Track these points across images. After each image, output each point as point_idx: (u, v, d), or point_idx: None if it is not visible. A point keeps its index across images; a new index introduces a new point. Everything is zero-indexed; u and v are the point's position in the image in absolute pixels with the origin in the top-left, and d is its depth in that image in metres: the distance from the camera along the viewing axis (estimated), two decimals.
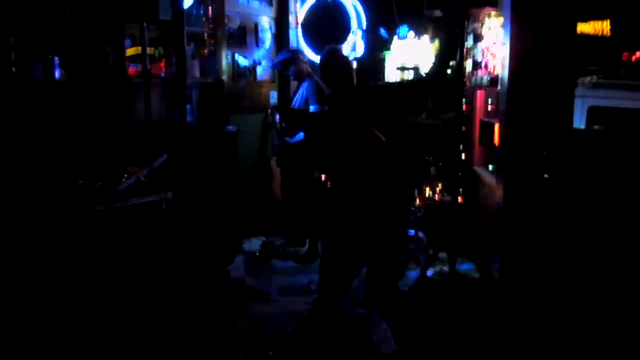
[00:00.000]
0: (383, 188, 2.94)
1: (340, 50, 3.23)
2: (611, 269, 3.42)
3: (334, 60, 3.13)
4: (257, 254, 4.94)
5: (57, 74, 4.19)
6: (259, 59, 5.56)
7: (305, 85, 4.66)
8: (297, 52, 4.91)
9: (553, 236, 3.53)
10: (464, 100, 4.27)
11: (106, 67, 4.36)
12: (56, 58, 4.18)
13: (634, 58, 6.20)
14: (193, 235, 4.14)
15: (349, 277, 3.25)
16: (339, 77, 3.09)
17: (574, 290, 3.55)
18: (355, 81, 3.13)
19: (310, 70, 4.91)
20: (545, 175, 3.49)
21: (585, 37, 6.08)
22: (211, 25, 5.24)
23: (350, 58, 5.48)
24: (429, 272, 4.00)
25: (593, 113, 5.85)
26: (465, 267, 4.51)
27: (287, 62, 4.78)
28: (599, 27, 6.34)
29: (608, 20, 6.35)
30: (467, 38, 4.25)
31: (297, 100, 4.69)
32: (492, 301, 3.33)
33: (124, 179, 3.47)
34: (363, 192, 2.98)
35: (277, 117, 4.90)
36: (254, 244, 5.22)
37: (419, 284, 3.62)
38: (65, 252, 3.41)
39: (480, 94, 4.78)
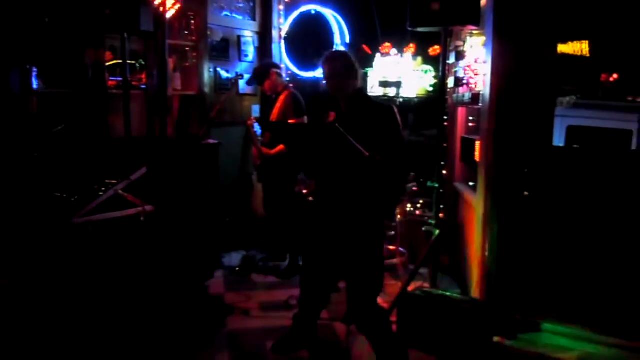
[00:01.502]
0: (359, 202, 2.91)
1: (343, 52, 3.21)
2: (593, 287, 3.44)
3: (349, 59, 3.06)
4: (237, 268, 4.89)
5: (35, 85, 4.12)
6: (242, 73, 5.55)
7: (282, 99, 4.65)
8: (271, 65, 4.89)
9: (533, 252, 3.55)
10: (445, 117, 4.29)
11: (85, 78, 4.30)
12: (34, 68, 4.11)
13: (611, 79, 6.34)
14: (172, 250, 4.07)
15: (324, 290, 3.23)
16: (344, 77, 3.02)
17: (554, 305, 3.56)
18: (356, 86, 3.06)
19: (286, 83, 4.90)
20: (526, 193, 3.51)
21: (565, 57, 6.20)
22: (193, 38, 5.22)
23: None
24: (410, 288, 3.98)
25: (572, 132, 5.97)
26: (447, 283, 4.51)
27: (261, 76, 4.76)
28: (578, 48, 6.47)
29: (587, 42, 6.48)
30: (449, 55, 4.28)
31: (274, 114, 4.67)
32: (472, 317, 3.32)
33: (101, 192, 3.40)
34: (339, 203, 2.97)
35: (259, 130, 4.88)
36: (234, 258, 5.16)
37: (400, 299, 3.59)
38: (40, 265, 3.33)
39: (461, 111, 4.82)
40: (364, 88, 3.21)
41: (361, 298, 2.96)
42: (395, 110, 2.99)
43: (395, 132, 2.95)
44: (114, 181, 3.48)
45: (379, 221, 3.04)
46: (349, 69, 3.04)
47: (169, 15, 4.59)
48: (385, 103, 3.10)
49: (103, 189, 3.43)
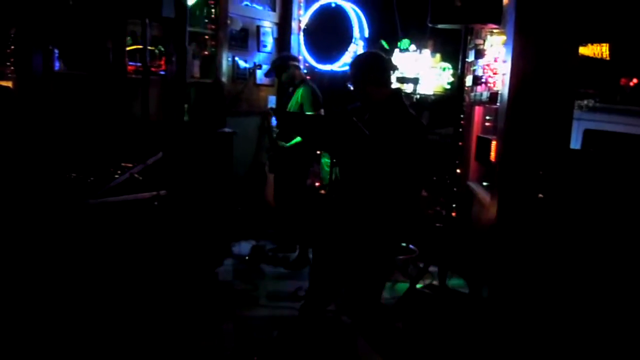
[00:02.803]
0: (372, 197, 2.86)
1: (371, 55, 3.07)
2: (604, 291, 3.42)
3: (368, 64, 2.93)
4: (247, 257, 4.92)
5: (56, 66, 4.16)
6: (260, 63, 5.56)
7: (299, 91, 4.66)
8: (289, 58, 4.90)
9: (545, 256, 3.53)
10: (462, 115, 4.28)
11: (106, 62, 4.33)
12: (56, 50, 4.15)
13: (631, 84, 6.27)
14: (184, 235, 4.11)
15: (333, 284, 3.23)
16: (361, 83, 2.90)
17: (564, 310, 3.55)
18: (382, 94, 2.91)
19: (304, 75, 4.91)
20: (540, 195, 3.50)
21: (584, 59, 6.13)
22: (213, 27, 5.24)
23: None
24: (419, 285, 3.99)
25: (589, 136, 5.91)
26: (456, 282, 4.51)
27: (280, 68, 4.77)
28: (598, 50, 6.40)
29: (607, 45, 6.41)
30: (468, 53, 4.26)
31: (291, 106, 4.69)
32: (481, 317, 3.32)
33: (117, 175, 3.44)
34: (353, 197, 2.94)
35: (274, 121, 4.90)
36: (244, 247, 5.19)
37: (408, 296, 3.60)
38: (53, 244, 3.37)
39: (478, 109, 4.80)
40: (398, 95, 2.98)
41: (362, 296, 2.93)
42: (423, 129, 2.88)
43: (409, 152, 2.78)
44: (130, 164, 3.51)
45: (394, 221, 2.93)
46: (366, 74, 2.89)
47: (190, 2, 4.60)
48: (416, 120, 2.90)
49: (119, 171, 3.46)
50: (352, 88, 2.97)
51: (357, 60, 3.04)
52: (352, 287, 2.96)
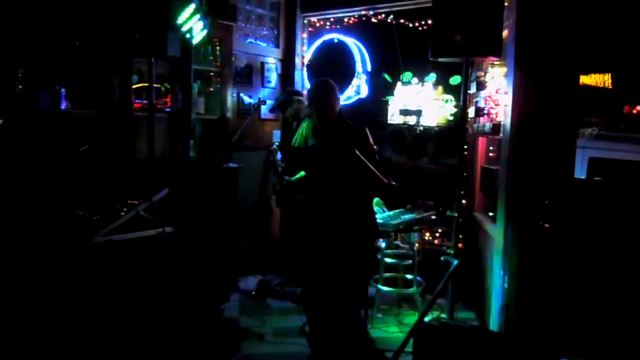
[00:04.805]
0: (359, 222, 3.16)
1: (326, 81, 3.47)
2: (614, 323, 3.37)
3: (309, 93, 3.44)
4: (253, 292, 4.89)
5: (63, 105, 4.22)
6: (264, 98, 5.63)
7: (304, 125, 4.70)
8: (293, 93, 4.96)
9: (553, 286, 3.49)
10: (465, 146, 4.28)
11: (112, 100, 4.40)
12: (63, 89, 4.22)
13: (634, 111, 6.28)
14: (190, 272, 4.09)
15: (328, 307, 3.28)
16: (319, 102, 3.33)
17: (574, 340, 3.49)
18: (336, 109, 3.36)
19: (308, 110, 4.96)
20: (546, 225, 3.48)
21: (587, 88, 6.17)
22: (218, 64, 5.32)
23: (354, 99, 5.58)
24: (427, 318, 3.93)
25: (594, 164, 5.89)
26: (464, 314, 4.45)
27: (284, 104, 4.83)
28: (600, 79, 6.44)
29: (609, 74, 6.46)
30: (470, 85, 4.30)
31: (296, 140, 4.72)
32: (489, 350, 3.26)
33: (123, 212, 3.45)
34: (341, 224, 3.14)
35: (279, 156, 4.92)
36: (250, 282, 5.16)
37: (416, 329, 3.54)
38: (60, 283, 3.37)
39: (482, 140, 4.82)
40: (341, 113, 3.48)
41: (344, 306, 3.16)
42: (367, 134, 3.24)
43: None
44: (135, 201, 3.53)
45: (372, 238, 3.34)
46: (309, 101, 3.44)
47: (195, 41, 4.68)
48: (362, 129, 3.33)
49: (125, 209, 3.48)
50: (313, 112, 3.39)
51: (315, 90, 3.46)
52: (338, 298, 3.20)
